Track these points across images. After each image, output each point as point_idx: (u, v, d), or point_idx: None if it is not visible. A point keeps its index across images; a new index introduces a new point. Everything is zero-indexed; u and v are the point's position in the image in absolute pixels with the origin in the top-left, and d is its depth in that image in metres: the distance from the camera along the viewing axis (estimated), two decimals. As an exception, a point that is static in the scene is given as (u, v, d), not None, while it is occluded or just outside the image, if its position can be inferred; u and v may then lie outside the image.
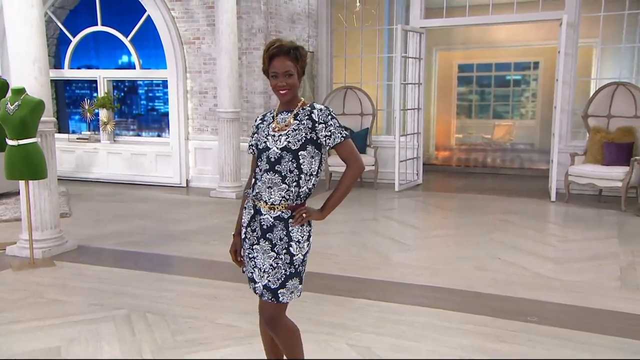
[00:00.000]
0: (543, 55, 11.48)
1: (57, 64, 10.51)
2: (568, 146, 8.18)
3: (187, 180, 9.02)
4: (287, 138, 2.36)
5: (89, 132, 10.17)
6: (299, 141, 2.36)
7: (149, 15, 8.97)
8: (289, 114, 2.43)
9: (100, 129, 9.69)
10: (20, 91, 4.70)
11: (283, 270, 2.42)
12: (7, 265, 4.84)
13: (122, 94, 12.46)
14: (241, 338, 3.36)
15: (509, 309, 3.94)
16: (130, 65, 9.88)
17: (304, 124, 2.38)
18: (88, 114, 9.81)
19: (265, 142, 2.41)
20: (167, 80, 9.11)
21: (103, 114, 9.61)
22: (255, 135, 2.50)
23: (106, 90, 9.77)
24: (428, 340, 3.41)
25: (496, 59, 12.40)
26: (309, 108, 2.42)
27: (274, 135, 2.39)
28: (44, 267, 4.74)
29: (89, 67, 10.83)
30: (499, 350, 3.28)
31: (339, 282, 4.50)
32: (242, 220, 2.53)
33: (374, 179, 8.79)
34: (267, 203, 2.39)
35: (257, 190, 2.42)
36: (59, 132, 10.48)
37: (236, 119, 7.99)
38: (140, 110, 12.44)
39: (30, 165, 4.64)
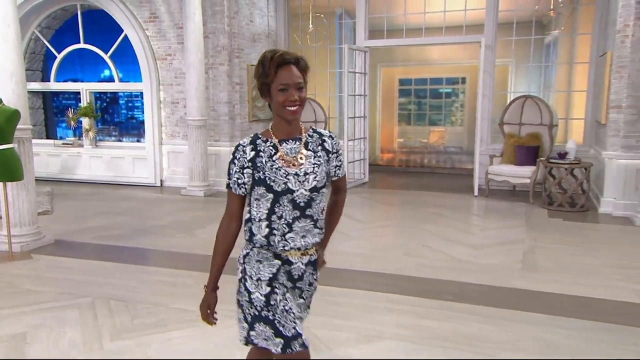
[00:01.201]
0: (469, 72, 11.69)
1: (45, 77, 10.15)
2: (488, 149, 8.32)
3: (161, 180, 8.82)
4: (315, 177, 1.80)
5: (73, 138, 9.85)
6: (323, 178, 1.83)
7: (126, 35, 8.75)
8: (297, 143, 1.83)
9: (83, 135, 9.39)
10: (-4, 101, 4.49)
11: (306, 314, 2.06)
12: (-13, 259, 4.64)
13: (105, 104, 12.16)
14: (193, 321, 3.25)
15: (431, 289, 3.97)
16: (110, 79, 9.63)
17: (320, 155, 1.85)
18: (72, 122, 9.50)
19: (285, 182, 1.77)
20: (142, 92, 8.88)
21: (86, 122, 9.31)
22: (249, 171, 1.79)
23: (88, 101, 9.46)
24: (357, 318, 3.40)
25: (431, 74, 12.56)
26: (317, 135, 1.88)
27: (297, 175, 1.78)
28: (22, 260, 4.56)
29: (75, 80, 10.56)
30: (419, 325, 3.30)
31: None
32: (262, 275, 1.87)
33: (325, 178, 8.77)
34: (300, 250, 1.86)
35: (291, 244, 1.83)
36: (47, 138, 10.19)
37: (203, 126, 7.86)
38: (121, 118, 12.17)
39: (7, 169, 4.44)
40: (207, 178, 8.02)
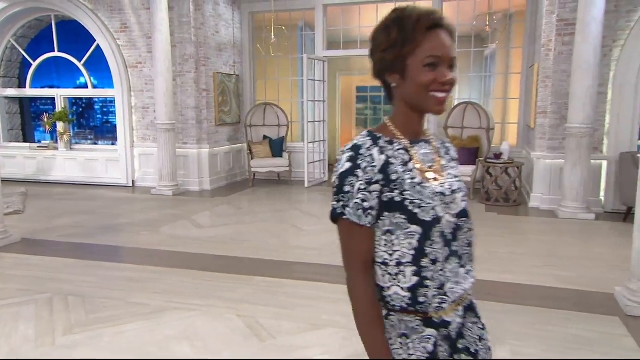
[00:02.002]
0: (419, 80, 11.77)
1: (21, 84, 9.73)
2: (435, 150, 8.39)
3: (133, 181, 8.57)
4: (462, 196, 1.19)
5: (48, 141, 9.48)
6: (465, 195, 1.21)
7: (98, 44, 8.47)
8: (429, 148, 1.19)
9: (58, 138, 9.05)
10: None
11: None
12: (-48, 258, 4.39)
13: (81, 110, 11.77)
14: (148, 314, 3.17)
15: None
16: (86, 85, 9.30)
17: (454, 166, 1.25)
18: (47, 126, 9.15)
19: (434, 207, 1.10)
20: (115, 98, 8.61)
21: (60, 126, 8.97)
22: (377, 187, 1.08)
23: (63, 106, 9.12)
24: (302, 307, 3.34)
25: (385, 82, 12.60)
26: (434, 137, 1.25)
27: (442, 195, 1.13)
28: (-14, 258, 4.33)
29: (52, 87, 10.20)
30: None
31: (243, 263, 4.36)
32: (419, 354, 1.11)
33: (288, 178, 8.72)
34: (455, 302, 1.16)
35: (451, 298, 1.13)
36: (25, 142, 9.78)
37: (172, 129, 7.68)
38: (96, 122, 11.81)
39: (-29, 171, 4.20)
40: (176, 178, 7.84)
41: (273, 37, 8.44)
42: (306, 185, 8.47)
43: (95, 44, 8.56)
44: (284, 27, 8.73)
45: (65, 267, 4.12)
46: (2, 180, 8.75)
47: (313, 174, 8.88)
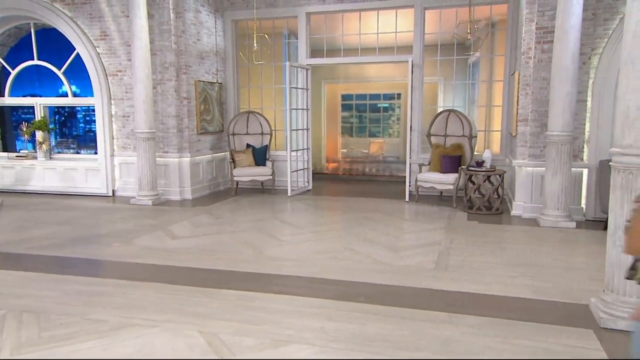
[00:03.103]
0: (403, 89, 11.75)
1: (0, 93, 9.57)
2: (419, 158, 8.34)
3: (113, 190, 8.42)
4: None
5: (27, 151, 9.31)
6: None
7: (78, 52, 8.35)
8: None
9: (37, 147, 8.89)
10: None
11: None
12: None
13: (63, 118, 11.62)
14: (106, 331, 3.03)
15: (347, 292, 3.83)
16: (67, 94, 9.18)
17: None
18: (26, 135, 8.99)
19: None
20: (92, 106, 8.49)
21: (39, 135, 8.82)
22: None
23: (42, 115, 8.98)
24: (268, 323, 3.22)
25: (370, 90, 12.58)
26: None
27: None
28: (-53, 273, 4.17)
29: (33, 95, 10.01)
30: (326, 327, 3.15)
31: (214, 275, 4.24)
32: None
33: (272, 186, 8.61)
34: None
35: None
36: (4, 151, 9.59)
37: (152, 138, 7.56)
38: (79, 131, 11.63)
39: None
40: (156, 188, 7.71)
41: (255, 45, 8.37)
42: (289, 194, 8.37)
43: (75, 52, 8.46)
44: (266, 35, 8.66)
45: (26, 282, 3.97)
46: (-22, 191, 8.62)
47: (296, 183, 8.78)
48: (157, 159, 7.71)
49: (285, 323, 3.21)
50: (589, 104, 6.23)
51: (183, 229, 5.99)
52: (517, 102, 6.67)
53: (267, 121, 8.99)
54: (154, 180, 7.64)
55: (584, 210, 6.36)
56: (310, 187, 9.18)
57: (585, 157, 6.31)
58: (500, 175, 6.85)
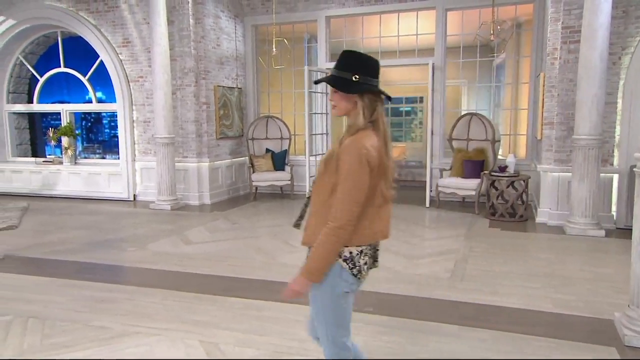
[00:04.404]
0: (425, 92, 11.44)
1: (30, 100, 9.89)
2: (441, 163, 8.16)
3: (134, 195, 8.55)
4: None
5: (53, 156, 9.58)
6: None
7: (102, 59, 8.54)
8: None
9: (63, 153, 9.13)
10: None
11: None
12: None
13: (89, 124, 11.90)
14: (107, 339, 3.02)
15: (355, 301, 3.69)
16: (91, 100, 9.41)
17: None
18: (52, 140, 9.25)
19: None
20: (116, 112, 8.65)
21: (65, 141, 9.04)
22: None
23: (68, 121, 9.21)
24: (273, 333, 3.15)
25: (391, 94, 12.34)
26: None
27: None
28: (-36, 276, 4.27)
29: (61, 102, 10.31)
30: (330, 339, 3.04)
31: (222, 282, 4.19)
32: None
33: (290, 191, 8.57)
34: None
35: None
36: (33, 156, 9.89)
37: (171, 143, 7.63)
38: (104, 136, 11.90)
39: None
40: (175, 192, 7.78)
41: (274, 49, 8.36)
42: (308, 199, 8.29)
43: (99, 60, 8.65)
44: (285, 40, 8.65)
45: (36, 287, 4.02)
46: (7, 195, 8.88)
47: (316, 188, 8.71)
48: (176, 164, 7.78)
49: (290, 334, 3.13)
50: (619, 105, 5.93)
51: (198, 234, 5.99)
52: (542, 104, 6.42)
53: (286, 126, 8.96)
54: (173, 185, 7.71)
55: (614, 218, 6.05)
56: (330, 192, 9.09)
57: (615, 162, 6.01)
58: (524, 181, 6.60)
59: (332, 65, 8.70)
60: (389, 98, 1.87)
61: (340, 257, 1.80)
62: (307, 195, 1.93)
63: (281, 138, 9.02)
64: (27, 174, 9.21)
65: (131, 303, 3.59)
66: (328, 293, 1.83)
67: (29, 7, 8.64)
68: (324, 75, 8.11)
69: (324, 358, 1.97)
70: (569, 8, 5.99)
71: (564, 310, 3.50)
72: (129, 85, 8.43)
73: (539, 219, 6.37)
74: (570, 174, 5.88)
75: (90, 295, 3.81)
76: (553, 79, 6.15)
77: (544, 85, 6.39)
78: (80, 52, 9.44)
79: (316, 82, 1.99)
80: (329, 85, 1.78)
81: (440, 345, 2.96)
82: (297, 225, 2.01)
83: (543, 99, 6.42)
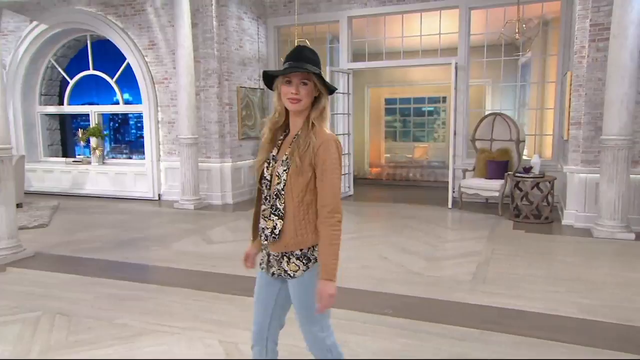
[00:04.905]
0: (449, 92, 11.32)
1: (61, 102, 10.16)
2: (464, 163, 8.03)
3: (159, 194, 8.70)
4: None
5: (82, 156, 9.83)
6: None
7: (128, 62, 8.72)
8: None
9: (91, 153, 9.36)
10: (-28, 125, 4.39)
11: None
12: (-36, 271, 4.50)
13: (117, 125, 12.14)
14: (128, 337, 3.07)
15: (374, 303, 3.69)
16: (118, 102, 9.62)
17: None
18: (81, 141, 9.50)
19: None
20: (142, 113, 8.83)
21: (93, 141, 9.27)
22: None
23: (96, 122, 9.44)
24: (290, 333, 3.13)
25: (414, 94, 12.29)
26: None
27: None
28: (-4, 272, 4.41)
29: (90, 104, 10.56)
30: (347, 340, 3.02)
31: (242, 281, 4.16)
32: None
33: (312, 191, 8.57)
34: None
35: None
36: (64, 156, 10.16)
37: (194, 144, 7.74)
38: (131, 137, 12.14)
39: (-20, 187, 4.31)
40: (198, 192, 7.88)
41: (297, 50, 8.36)
42: (329, 199, 8.28)
43: (125, 62, 8.82)
44: (307, 40, 8.65)
45: (64, 284, 4.12)
46: (40, 194, 9.17)
47: (337, 188, 8.69)
48: (199, 164, 7.88)
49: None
50: (650, 105, 5.72)
51: (220, 234, 6.05)
52: (569, 104, 6.25)
53: (309, 126, 8.97)
54: (196, 185, 7.81)
55: (644, 221, 5.84)
56: (352, 192, 9.06)
57: (646, 163, 5.80)
58: (550, 182, 6.44)
59: (354, 65, 8.69)
60: (331, 91, 1.85)
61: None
62: (267, 204, 1.84)
63: (303, 138, 9.03)
64: (57, 173, 9.47)
65: (153, 301, 3.65)
66: (314, 290, 1.83)
67: (60, 12, 8.88)
68: (346, 76, 8.05)
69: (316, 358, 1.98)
70: (598, 5, 5.82)
71: (590, 316, 3.40)
72: (154, 86, 8.58)
73: (565, 221, 6.21)
74: (598, 175, 5.71)
75: (114, 293, 3.89)
76: (581, 77, 5.98)
77: (571, 85, 6.22)
78: (108, 54, 9.65)
79: (293, 71, 1.75)
80: (292, 78, 1.72)
81: (459, 349, 2.91)
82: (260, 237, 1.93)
83: (570, 99, 6.25)
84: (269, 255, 1.90)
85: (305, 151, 1.75)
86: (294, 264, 1.85)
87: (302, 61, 1.72)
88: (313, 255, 1.85)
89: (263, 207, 1.86)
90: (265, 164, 1.85)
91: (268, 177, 1.84)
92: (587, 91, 5.92)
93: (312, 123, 1.77)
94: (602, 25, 5.81)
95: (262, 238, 1.88)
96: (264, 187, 1.85)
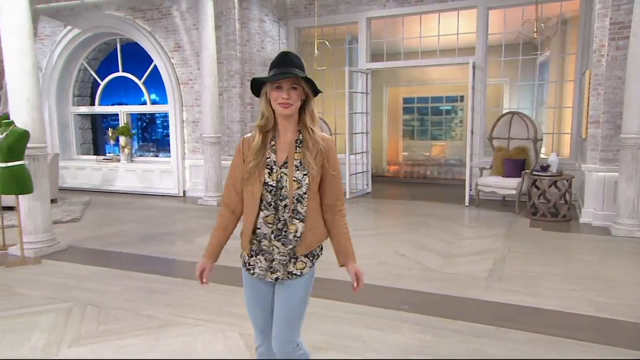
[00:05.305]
0: (466, 91, 11.13)
1: (93, 102, 10.37)
2: (481, 161, 7.91)
3: (184, 191, 8.82)
4: None
5: (112, 154, 10.02)
6: None
7: (155, 64, 8.84)
8: None
9: (120, 151, 9.54)
10: (9, 123, 4.51)
11: None
12: (2, 262, 4.60)
13: (145, 124, 12.32)
14: (154, 328, 3.12)
15: (391, 299, 3.66)
16: (146, 102, 9.78)
17: None
18: (111, 140, 9.68)
19: None
20: (168, 113, 8.95)
21: (122, 140, 9.45)
22: None
23: (125, 122, 9.60)
24: (306, 327, 3.12)
25: (432, 93, 12.15)
26: None
27: None
28: (31, 264, 4.52)
29: (120, 104, 10.74)
30: (363, 335, 3.02)
31: (263, 275, 4.23)
32: None
33: (331, 189, 8.56)
34: None
35: None
36: (95, 154, 10.38)
37: (217, 142, 7.81)
38: (157, 136, 12.31)
39: (18, 183, 4.43)
40: (221, 189, 7.94)
41: (316, 51, 8.38)
42: (347, 196, 8.27)
43: (153, 64, 8.95)
44: (327, 42, 8.63)
45: (94, 276, 4.21)
46: (73, 190, 9.39)
47: (355, 185, 8.66)
48: (222, 162, 7.94)
49: (323, 329, 3.12)
50: (671, 103, 5.52)
51: (240, 229, 6.08)
52: (588, 102, 6.09)
53: (327, 125, 8.93)
54: (219, 182, 7.88)
55: (664, 220, 5.65)
56: (370, 189, 9.02)
57: (666, 162, 5.59)
58: (567, 180, 6.29)
59: (372, 65, 8.63)
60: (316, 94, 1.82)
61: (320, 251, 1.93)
62: (270, 209, 1.78)
63: (322, 137, 9.02)
64: (89, 170, 9.68)
65: (177, 294, 3.70)
66: (309, 289, 1.93)
67: (92, 17, 9.06)
68: (364, 76, 7.99)
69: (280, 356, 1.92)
70: (618, 3, 5.64)
71: (607, 315, 3.31)
72: (180, 87, 8.68)
73: (582, 220, 6.06)
74: (617, 173, 5.56)
75: (141, 286, 3.95)
76: (600, 76, 5.82)
77: (589, 83, 6.06)
78: (136, 57, 9.80)
79: (285, 77, 1.71)
80: (282, 84, 1.71)
81: (475, 346, 2.87)
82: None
83: (588, 97, 6.08)
84: (272, 260, 1.82)
85: (317, 155, 1.78)
86: (301, 262, 1.85)
87: (290, 66, 1.71)
88: (316, 252, 1.90)
89: (265, 212, 1.77)
90: (267, 170, 1.77)
91: (273, 183, 1.76)
92: (606, 90, 5.75)
93: (311, 129, 1.78)
94: (622, 24, 5.64)
95: (266, 244, 1.81)
96: (268, 193, 1.76)
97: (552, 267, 4.36)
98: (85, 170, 9.72)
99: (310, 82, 1.76)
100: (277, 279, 1.84)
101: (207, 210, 7.40)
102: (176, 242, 5.41)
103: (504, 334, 3.01)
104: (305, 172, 1.76)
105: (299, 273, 1.85)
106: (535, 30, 6.53)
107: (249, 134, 1.85)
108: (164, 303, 3.54)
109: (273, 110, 1.77)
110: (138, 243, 5.37)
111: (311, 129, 1.79)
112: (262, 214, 1.78)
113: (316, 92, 1.79)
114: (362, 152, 8.90)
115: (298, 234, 1.79)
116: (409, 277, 4.16)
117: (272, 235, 1.78)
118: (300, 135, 1.79)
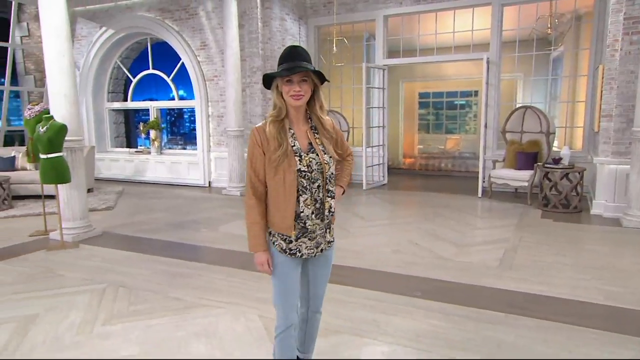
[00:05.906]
0: (480, 86, 10.90)
1: (125, 98, 10.53)
2: (494, 154, 7.76)
3: (209, 182, 8.91)
4: None
5: (143, 147, 10.19)
6: None
7: (183, 61, 8.91)
8: None
9: (151, 144, 9.68)
10: (49, 118, 4.61)
11: None
12: (44, 246, 4.75)
13: (173, 119, 12.46)
14: (180, 309, 3.17)
15: (405, 285, 3.64)
16: (174, 98, 9.88)
17: None
18: (142, 133, 9.83)
19: None
20: (194, 108, 9.03)
21: (152, 133, 9.58)
22: None
23: (155, 116, 9.73)
24: (324, 312, 3.14)
25: (447, 88, 11.94)
26: None
27: None
28: (70, 248, 4.64)
29: (150, 100, 10.88)
30: (378, 320, 3.01)
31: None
32: None
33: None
34: None
35: None
36: (128, 147, 10.57)
37: (240, 135, 7.84)
38: (185, 129, 12.44)
39: (57, 173, 4.54)
40: (244, 180, 7.99)
41: (335, 48, 8.31)
42: (364, 187, 8.24)
43: (180, 62, 9.02)
44: (345, 39, 8.55)
45: (125, 260, 4.30)
46: (107, 180, 9.59)
47: (372, 177, 8.61)
48: (244, 154, 7.98)
49: (340, 313, 3.12)
50: (685, 97, 5.30)
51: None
52: (601, 96, 5.89)
53: (345, 119, 8.91)
54: (242, 173, 7.93)
55: (676, 212, 5.45)
56: (386, 181, 8.96)
57: (679, 155, 5.39)
58: (579, 173, 6.12)
59: (389, 61, 8.52)
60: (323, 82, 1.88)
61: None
62: (307, 193, 1.87)
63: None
64: (122, 162, 9.86)
65: (202, 278, 3.75)
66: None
67: (124, 18, 9.17)
68: (381, 72, 7.91)
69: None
70: (633, -3, 5.42)
71: (617, 303, 3.22)
72: (205, 83, 8.74)
73: (594, 211, 5.90)
74: (629, 166, 5.38)
75: (168, 270, 4.02)
76: (613, 70, 5.62)
77: (602, 78, 5.85)
78: (165, 55, 9.90)
79: (296, 71, 1.76)
80: (293, 77, 1.76)
81: (485, 332, 2.83)
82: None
83: (601, 91, 5.89)
84: (314, 238, 1.93)
85: (330, 140, 1.93)
86: (331, 230, 2.03)
87: (299, 60, 1.76)
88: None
89: (304, 196, 1.84)
90: (297, 158, 1.82)
91: (304, 169, 1.82)
92: (619, 84, 5.55)
93: (321, 117, 1.89)
94: (636, 19, 5.42)
95: (310, 223, 1.89)
96: (302, 179, 1.83)
97: (562, 256, 4.26)
98: (118, 162, 9.91)
99: (317, 73, 1.80)
100: (322, 250, 1.98)
101: (230, 200, 7.46)
102: (202, 229, 5.47)
103: (514, 320, 2.96)
104: (330, 155, 1.89)
105: (333, 239, 2.05)
106: (549, 25, 6.35)
107: (259, 124, 1.89)
108: (189, 286, 3.59)
109: (284, 101, 1.82)
110: (167, 230, 5.46)
111: (321, 117, 1.88)
112: (301, 198, 1.84)
113: (323, 80, 1.83)
114: (378, 145, 8.83)
115: (332, 209, 1.95)
116: (423, 265, 4.12)
117: (313, 215, 1.87)
118: (312, 122, 1.88)
